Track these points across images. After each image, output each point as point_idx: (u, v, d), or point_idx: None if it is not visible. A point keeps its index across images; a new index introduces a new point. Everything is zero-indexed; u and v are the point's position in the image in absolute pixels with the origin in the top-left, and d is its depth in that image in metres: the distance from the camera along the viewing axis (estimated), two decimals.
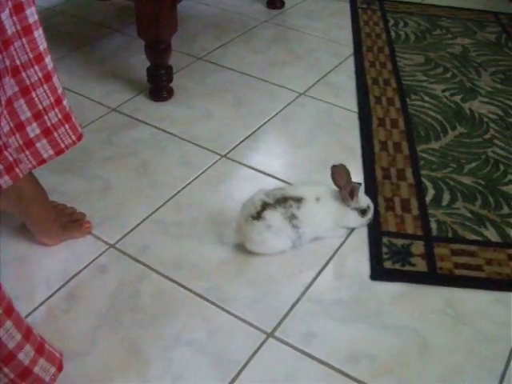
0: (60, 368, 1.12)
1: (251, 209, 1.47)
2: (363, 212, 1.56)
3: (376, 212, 1.62)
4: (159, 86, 2.06)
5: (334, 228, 1.56)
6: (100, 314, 1.35)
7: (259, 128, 1.96)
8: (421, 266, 1.48)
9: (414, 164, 1.81)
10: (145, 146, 1.86)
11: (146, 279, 1.43)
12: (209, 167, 1.78)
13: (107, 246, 1.51)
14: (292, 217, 1.46)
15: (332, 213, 1.53)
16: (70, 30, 2.53)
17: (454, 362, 1.28)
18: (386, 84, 2.21)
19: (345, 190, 1.52)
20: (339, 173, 1.52)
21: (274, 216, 1.45)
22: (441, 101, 2.13)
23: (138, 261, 1.48)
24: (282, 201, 1.47)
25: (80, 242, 1.53)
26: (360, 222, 1.58)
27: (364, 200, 1.58)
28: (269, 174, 1.76)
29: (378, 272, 1.47)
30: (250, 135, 1.92)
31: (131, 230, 1.56)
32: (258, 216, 1.45)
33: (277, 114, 2.03)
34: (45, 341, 1.09)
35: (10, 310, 0.98)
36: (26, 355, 1.01)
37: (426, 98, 2.14)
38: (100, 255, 1.49)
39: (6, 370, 0.98)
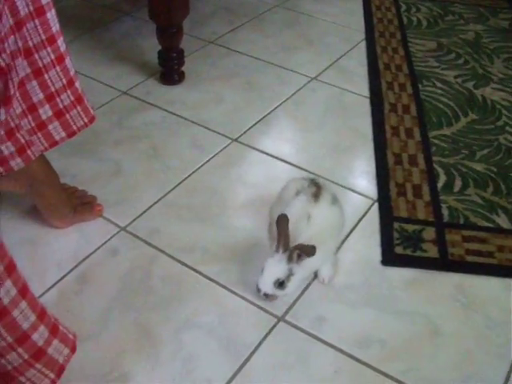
0: (73, 349, 1.12)
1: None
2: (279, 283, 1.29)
3: (387, 198, 1.62)
4: (170, 70, 2.05)
5: None
6: (111, 297, 1.35)
7: (270, 112, 1.95)
8: (432, 251, 1.48)
9: (425, 150, 1.80)
10: (156, 129, 1.86)
11: (157, 262, 1.43)
12: (220, 151, 1.78)
13: (118, 229, 1.52)
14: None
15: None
16: (80, 13, 2.52)
17: (464, 349, 1.28)
18: (397, 69, 2.20)
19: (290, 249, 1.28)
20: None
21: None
22: (453, 87, 2.12)
23: (149, 244, 1.48)
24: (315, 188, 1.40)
25: (91, 224, 1.53)
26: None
27: (283, 271, 1.28)
28: (279, 159, 1.75)
29: (389, 257, 1.46)
30: (261, 119, 1.92)
31: (142, 213, 1.56)
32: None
33: (288, 98, 2.03)
34: (59, 322, 1.09)
35: (25, 291, 0.98)
36: (40, 336, 1.02)
37: (438, 84, 2.13)
38: (111, 238, 1.49)
39: (20, 350, 0.98)
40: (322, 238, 1.31)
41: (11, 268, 0.95)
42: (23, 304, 0.97)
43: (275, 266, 1.29)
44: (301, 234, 1.31)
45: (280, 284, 1.28)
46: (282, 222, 1.29)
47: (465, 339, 1.30)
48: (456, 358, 1.26)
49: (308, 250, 1.26)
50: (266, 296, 1.31)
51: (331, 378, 1.21)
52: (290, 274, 1.28)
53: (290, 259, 1.27)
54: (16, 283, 0.95)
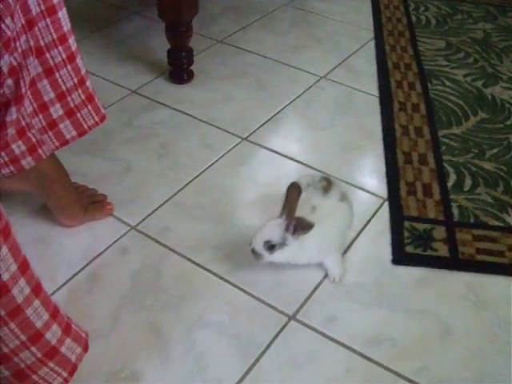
0: (86, 348, 1.12)
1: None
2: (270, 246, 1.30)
3: (398, 196, 1.61)
4: (179, 69, 2.05)
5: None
6: (122, 295, 1.35)
7: (280, 111, 1.95)
8: (442, 250, 1.48)
9: (435, 149, 1.79)
10: (165, 128, 1.86)
11: (168, 261, 1.43)
12: (229, 150, 1.78)
13: (128, 228, 1.52)
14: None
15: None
16: (89, 12, 2.53)
17: (475, 348, 1.28)
18: (407, 68, 2.19)
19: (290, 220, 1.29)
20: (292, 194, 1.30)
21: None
22: (462, 86, 2.11)
23: (159, 242, 1.48)
24: (326, 183, 1.42)
25: (101, 223, 1.53)
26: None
27: (277, 236, 1.29)
28: (289, 157, 1.75)
29: (400, 256, 1.46)
30: (270, 118, 1.92)
31: (152, 212, 1.56)
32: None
33: (297, 97, 2.02)
34: (71, 321, 1.09)
35: (38, 290, 0.98)
36: (53, 335, 1.02)
37: (448, 83, 2.12)
38: (121, 237, 1.49)
39: (33, 349, 0.98)
40: (324, 230, 1.31)
41: (25, 267, 0.95)
42: (36, 303, 0.97)
43: (271, 228, 1.30)
44: None
45: (269, 247, 1.29)
46: (292, 189, 1.29)
47: (475, 338, 1.30)
48: (467, 356, 1.26)
49: (304, 224, 1.26)
50: (253, 252, 1.31)
51: (343, 377, 1.21)
52: (282, 243, 1.29)
53: (287, 228, 1.28)
54: (29, 282, 0.96)
